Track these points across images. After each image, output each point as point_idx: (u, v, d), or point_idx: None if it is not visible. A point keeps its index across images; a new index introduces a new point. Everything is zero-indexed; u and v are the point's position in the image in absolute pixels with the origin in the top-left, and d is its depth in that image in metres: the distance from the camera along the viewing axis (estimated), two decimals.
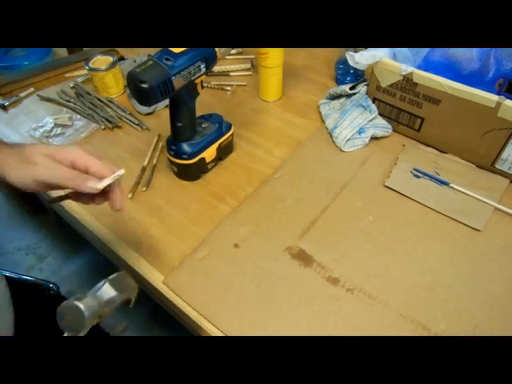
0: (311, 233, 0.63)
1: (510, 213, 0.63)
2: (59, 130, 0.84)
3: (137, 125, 0.84)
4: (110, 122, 0.84)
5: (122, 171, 0.45)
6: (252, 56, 1.00)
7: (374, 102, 0.78)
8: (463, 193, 0.66)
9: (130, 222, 0.66)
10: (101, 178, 0.44)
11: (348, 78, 0.87)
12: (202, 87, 0.66)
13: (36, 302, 0.78)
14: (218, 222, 0.65)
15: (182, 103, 0.63)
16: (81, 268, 1.59)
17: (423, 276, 0.57)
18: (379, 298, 0.55)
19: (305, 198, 0.67)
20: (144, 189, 0.70)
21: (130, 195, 0.69)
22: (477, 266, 0.58)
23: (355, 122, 0.76)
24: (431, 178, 0.69)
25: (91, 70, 0.87)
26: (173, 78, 0.57)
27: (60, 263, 1.61)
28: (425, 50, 0.74)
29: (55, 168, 0.43)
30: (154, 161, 0.75)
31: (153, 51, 0.60)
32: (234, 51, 1.02)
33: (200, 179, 0.72)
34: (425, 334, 0.51)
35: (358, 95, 0.80)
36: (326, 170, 0.72)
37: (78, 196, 0.47)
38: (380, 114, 0.78)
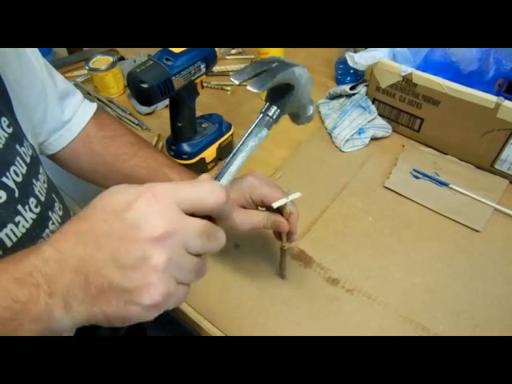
0: (311, 233, 0.62)
1: (510, 213, 0.63)
2: None
3: (137, 125, 0.83)
4: None
5: (298, 194, 0.44)
6: (252, 56, 1.00)
7: (373, 102, 0.78)
8: (463, 194, 0.67)
9: None
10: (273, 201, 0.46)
11: (348, 78, 0.87)
12: (202, 87, 0.66)
13: None
14: None
15: (182, 103, 0.63)
16: None
17: (423, 277, 0.57)
18: (379, 298, 0.55)
19: (305, 199, 0.66)
20: None
21: None
22: (476, 266, 0.58)
23: (355, 123, 0.76)
24: (431, 178, 0.69)
25: (91, 70, 0.87)
26: (173, 77, 0.57)
27: None
28: (424, 50, 0.74)
29: (247, 223, 0.47)
30: None
31: (153, 51, 0.60)
32: (234, 51, 1.02)
33: None
34: (424, 334, 0.51)
35: (357, 96, 0.80)
36: (326, 171, 0.72)
37: None
38: (380, 115, 0.78)
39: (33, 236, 0.43)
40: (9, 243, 0.39)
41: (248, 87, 0.30)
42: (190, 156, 0.68)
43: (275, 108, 0.32)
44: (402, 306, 0.54)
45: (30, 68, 0.49)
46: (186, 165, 0.69)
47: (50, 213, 0.46)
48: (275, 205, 0.45)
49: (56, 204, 0.49)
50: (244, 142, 0.33)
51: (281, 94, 0.32)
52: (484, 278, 0.57)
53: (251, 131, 0.33)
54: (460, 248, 0.60)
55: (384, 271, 0.58)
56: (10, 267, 0.28)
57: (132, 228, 0.27)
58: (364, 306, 0.54)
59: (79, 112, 0.57)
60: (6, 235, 0.39)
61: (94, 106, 0.59)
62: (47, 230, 0.45)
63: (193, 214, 0.28)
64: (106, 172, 0.57)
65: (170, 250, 0.27)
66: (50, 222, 0.46)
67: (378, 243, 0.61)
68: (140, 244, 0.26)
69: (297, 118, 0.37)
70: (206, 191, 0.28)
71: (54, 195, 0.49)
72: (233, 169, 0.33)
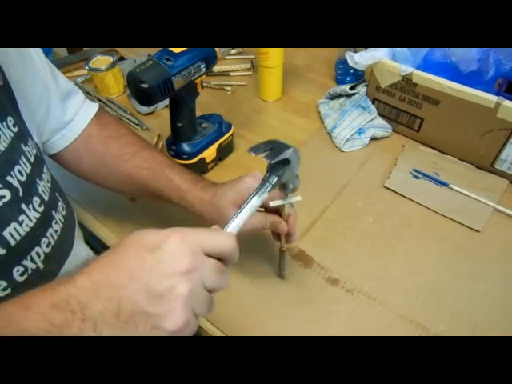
0: (311, 233, 0.63)
1: (510, 213, 0.63)
2: None
3: (137, 125, 0.83)
4: None
5: (298, 198, 0.48)
6: (252, 56, 1.00)
7: (373, 102, 0.78)
8: (462, 194, 0.67)
9: (131, 223, 0.66)
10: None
11: (348, 78, 0.88)
12: (202, 87, 0.66)
13: None
14: None
15: (182, 103, 0.63)
16: None
17: (422, 277, 0.57)
18: (379, 298, 0.55)
19: (305, 199, 0.66)
20: None
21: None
22: (476, 266, 0.58)
23: (354, 123, 0.76)
24: (431, 178, 0.69)
25: (91, 70, 0.87)
26: (173, 77, 0.57)
27: None
28: (424, 50, 0.74)
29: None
30: None
31: (153, 51, 0.60)
32: (234, 51, 1.02)
33: None
34: (424, 334, 0.51)
35: (357, 96, 0.80)
36: (326, 171, 0.72)
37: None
38: (380, 115, 0.78)
39: (36, 235, 0.43)
40: (12, 242, 0.40)
41: (263, 159, 0.41)
42: (190, 156, 0.68)
43: (274, 177, 0.43)
44: (402, 306, 0.54)
45: (33, 68, 0.49)
46: (186, 165, 0.69)
47: (53, 212, 0.47)
48: (272, 203, 0.47)
49: (59, 203, 0.49)
50: (249, 201, 0.41)
51: (279, 168, 0.43)
52: (484, 277, 0.57)
53: (255, 193, 0.42)
54: (460, 248, 0.60)
55: (384, 271, 0.58)
56: (48, 293, 0.30)
57: (162, 262, 0.31)
58: (364, 305, 0.54)
59: (81, 112, 0.57)
60: (10, 234, 0.39)
61: (95, 106, 0.59)
62: (51, 229, 0.45)
63: (209, 256, 0.33)
64: (107, 172, 0.57)
65: (192, 283, 0.31)
66: (54, 221, 0.46)
67: (378, 243, 0.61)
68: (169, 276, 0.30)
69: (285, 188, 0.47)
70: (223, 240, 0.34)
71: (57, 194, 0.49)
72: (240, 222, 0.40)
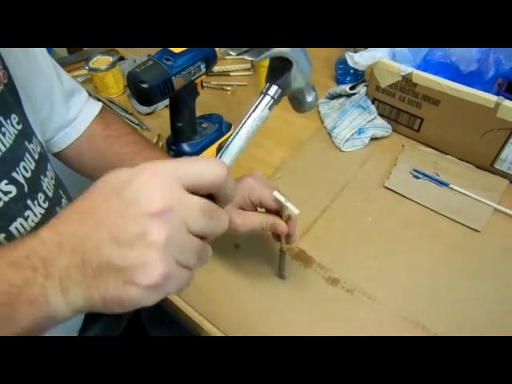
0: (311, 233, 0.63)
1: (510, 213, 0.63)
2: None
3: (137, 125, 0.84)
4: None
5: (295, 211, 0.46)
6: None
7: (373, 102, 0.78)
8: (463, 193, 0.67)
9: None
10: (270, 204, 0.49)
11: (348, 78, 0.87)
12: (202, 87, 0.66)
13: None
14: None
15: (182, 103, 0.63)
16: None
17: (422, 277, 0.57)
18: (379, 298, 0.55)
19: (305, 199, 0.67)
20: None
21: None
22: (476, 266, 0.58)
23: (354, 123, 0.76)
24: (431, 178, 0.69)
25: (91, 70, 0.87)
26: (173, 77, 0.57)
27: None
28: (424, 50, 0.74)
29: (249, 223, 0.48)
30: None
31: (153, 51, 0.60)
32: None
33: None
34: (424, 334, 0.51)
35: (357, 96, 0.80)
36: (326, 171, 0.72)
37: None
38: (380, 115, 0.78)
39: None
40: (19, 237, 0.40)
41: (245, 56, 0.30)
42: (190, 156, 0.68)
43: (276, 87, 0.32)
44: (401, 305, 0.54)
45: (37, 66, 0.49)
46: None
47: (57, 208, 0.47)
48: (275, 193, 0.45)
49: (63, 200, 0.50)
50: (246, 122, 0.32)
51: (280, 73, 0.32)
52: (484, 277, 0.57)
53: (252, 111, 0.33)
54: (460, 248, 0.60)
55: (384, 271, 0.58)
56: (7, 252, 0.27)
57: (131, 204, 0.26)
58: (364, 305, 0.54)
59: (84, 111, 0.58)
60: (16, 229, 0.40)
61: (98, 105, 0.60)
62: None
63: (195, 194, 0.27)
64: (109, 170, 0.57)
65: (170, 226, 0.25)
66: None
67: (378, 243, 0.61)
68: (139, 220, 0.25)
69: (298, 103, 0.35)
70: (205, 166, 0.27)
71: (61, 191, 0.50)
72: (234, 147, 0.32)
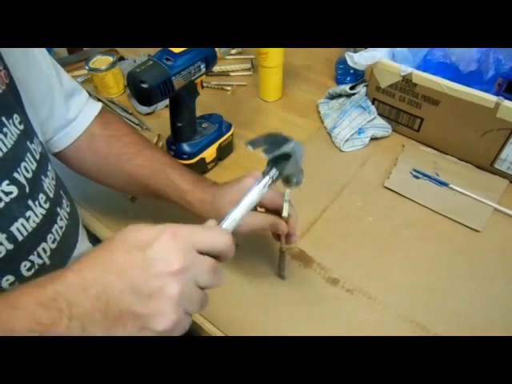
0: (311, 233, 0.63)
1: (510, 213, 0.63)
2: None
3: (137, 125, 0.84)
4: None
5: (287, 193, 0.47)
6: (252, 56, 1.00)
7: (373, 102, 0.78)
8: (462, 193, 0.67)
9: (131, 223, 0.65)
10: (275, 205, 0.49)
11: (348, 78, 0.88)
12: (202, 87, 0.66)
13: None
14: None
15: (182, 103, 0.63)
16: None
17: (422, 277, 0.57)
18: (379, 298, 0.55)
19: (305, 199, 0.67)
20: None
21: (129, 195, 0.69)
22: (476, 266, 0.58)
23: (354, 123, 0.76)
24: (431, 178, 0.69)
25: (91, 70, 0.87)
26: (173, 77, 0.57)
27: None
28: (424, 50, 0.74)
29: (247, 223, 0.46)
30: None
31: (153, 51, 0.60)
32: (233, 51, 1.02)
33: None
34: (424, 334, 0.51)
35: (357, 96, 0.80)
36: (326, 171, 0.72)
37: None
38: (379, 115, 0.78)
39: (42, 231, 0.44)
40: (20, 237, 0.40)
41: (262, 153, 0.40)
42: (190, 156, 0.68)
43: (275, 171, 0.41)
44: (401, 305, 0.54)
45: (36, 66, 0.49)
46: (185, 165, 0.69)
47: (58, 209, 0.47)
48: (284, 213, 0.48)
49: (64, 200, 0.50)
50: (248, 195, 0.39)
51: (280, 161, 0.41)
52: (484, 277, 0.57)
53: (255, 187, 0.40)
54: (460, 248, 0.60)
55: (384, 271, 0.58)
56: (35, 291, 0.30)
57: (153, 261, 0.30)
58: (364, 305, 0.54)
59: (84, 110, 0.57)
60: (17, 229, 0.40)
61: (99, 105, 0.60)
62: (56, 226, 0.46)
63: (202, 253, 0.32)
64: (109, 171, 0.58)
65: (184, 283, 0.30)
66: (59, 218, 0.47)
67: (378, 243, 0.61)
68: (159, 276, 0.30)
69: (288, 182, 0.45)
70: (216, 237, 0.33)
71: (61, 192, 0.50)
72: (237, 216, 0.38)
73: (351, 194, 0.68)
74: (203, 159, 0.70)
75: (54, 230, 0.45)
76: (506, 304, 0.54)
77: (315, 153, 0.76)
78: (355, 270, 0.58)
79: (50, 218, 0.45)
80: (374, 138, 0.77)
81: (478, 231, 0.62)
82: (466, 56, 0.70)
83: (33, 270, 0.42)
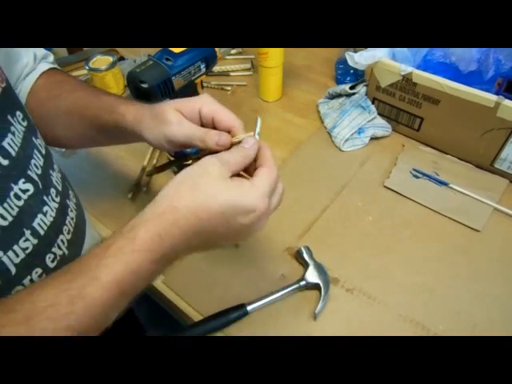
0: (311, 233, 0.63)
1: (510, 213, 0.64)
2: None
3: None
4: None
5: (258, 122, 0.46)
6: (252, 56, 1.00)
7: (373, 102, 0.78)
8: (462, 193, 0.67)
9: None
10: (227, 126, 0.45)
11: (348, 78, 0.87)
12: (202, 87, 0.66)
13: None
14: None
15: None
16: None
17: (422, 276, 0.57)
18: (379, 298, 0.55)
19: (305, 198, 0.67)
20: (144, 189, 0.70)
21: (129, 195, 0.69)
22: (476, 266, 0.58)
23: (354, 122, 0.76)
24: (430, 178, 0.69)
25: (91, 70, 0.87)
26: (173, 77, 0.57)
27: None
28: (424, 50, 0.74)
29: (185, 126, 0.43)
30: (154, 161, 0.75)
31: (153, 51, 0.60)
32: (234, 51, 1.02)
33: None
34: (424, 334, 0.51)
35: (357, 96, 0.80)
36: (326, 170, 0.72)
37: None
38: (380, 114, 0.78)
39: (58, 223, 0.45)
40: (41, 232, 0.41)
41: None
42: (190, 155, 0.68)
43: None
44: (401, 305, 0.54)
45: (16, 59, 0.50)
46: (186, 165, 0.68)
47: (67, 201, 0.48)
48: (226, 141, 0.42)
49: (70, 192, 0.50)
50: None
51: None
52: (484, 277, 0.57)
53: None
54: (460, 248, 0.60)
55: (384, 271, 0.58)
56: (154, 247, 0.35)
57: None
58: (364, 305, 0.54)
59: (38, 68, 0.55)
60: (38, 224, 0.41)
61: (45, 66, 0.56)
62: (68, 217, 0.47)
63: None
64: (52, 119, 0.54)
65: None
66: (69, 210, 0.48)
67: (377, 243, 0.61)
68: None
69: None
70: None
71: (67, 184, 0.51)
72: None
73: (351, 193, 0.68)
74: None
75: (67, 222, 0.47)
76: (506, 304, 0.54)
77: (315, 152, 0.76)
78: (355, 270, 0.58)
79: (62, 211, 0.46)
80: (373, 138, 0.77)
81: (478, 231, 0.62)
82: (466, 56, 0.70)
83: (56, 262, 0.44)
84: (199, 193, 0.36)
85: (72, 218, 0.48)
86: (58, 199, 0.45)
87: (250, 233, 0.40)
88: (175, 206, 0.36)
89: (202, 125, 0.45)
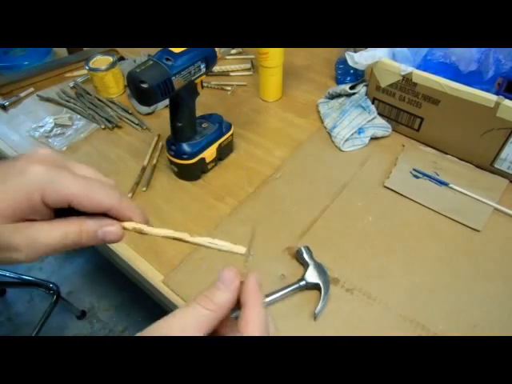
0: (311, 233, 0.63)
1: (509, 213, 0.64)
2: (59, 130, 0.84)
3: (137, 125, 0.84)
4: (109, 121, 0.84)
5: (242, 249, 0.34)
6: (252, 56, 1.00)
7: (373, 102, 0.78)
8: (462, 193, 0.67)
9: None
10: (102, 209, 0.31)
11: (348, 78, 0.88)
12: (202, 87, 0.66)
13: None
14: (217, 222, 0.65)
15: (182, 103, 0.63)
16: (81, 268, 1.59)
17: (422, 276, 0.57)
18: (378, 298, 0.55)
19: (305, 198, 0.67)
20: (144, 189, 0.71)
21: (130, 195, 0.69)
22: (476, 266, 0.58)
23: (354, 122, 0.76)
24: (431, 178, 0.69)
25: (91, 70, 0.87)
26: (173, 77, 0.57)
27: (60, 263, 1.61)
28: (424, 50, 0.74)
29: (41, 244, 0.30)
30: (154, 161, 0.75)
31: (153, 51, 0.60)
32: (234, 51, 1.02)
33: (200, 179, 0.72)
34: (424, 334, 0.51)
35: (357, 96, 0.80)
36: (326, 170, 0.72)
37: None
38: (380, 114, 0.78)
39: None
40: None
41: None
42: (190, 156, 0.68)
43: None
44: (401, 305, 0.54)
45: None
46: (186, 165, 0.69)
47: None
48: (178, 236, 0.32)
49: None
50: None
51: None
52: (484, 277, 0.57)
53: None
54: (460, 248, 0.60)
55: (384, 271, 0.58)
56: None
57: None
58: (364, 305, 0.54)
59: None
60: None
61: None
62: None
63: None
64: None
65: None
66: None
67: (377, 243, 0.61)
68: None
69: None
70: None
71: None
72: None
73: (351, 193, 0.68)
74: (203, 159, 0.70)
75: None
76: (506, 304, 0.54)
77: (315, 153, 0.76)
78: (355, 270, 0.58)
79: None
80: (373, 138, 0.77)
81: (478, 231, 0.62)
82: (466, 56, 0.70)
83: None
84: None
85: None
86: None
87: None
88: None
89: (48, 209, 0.30)
